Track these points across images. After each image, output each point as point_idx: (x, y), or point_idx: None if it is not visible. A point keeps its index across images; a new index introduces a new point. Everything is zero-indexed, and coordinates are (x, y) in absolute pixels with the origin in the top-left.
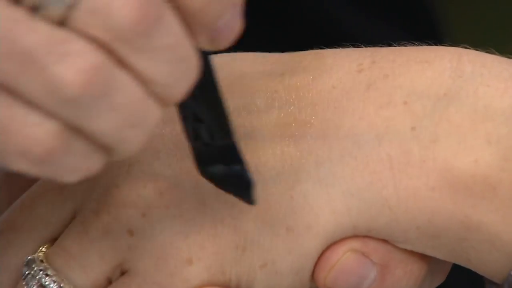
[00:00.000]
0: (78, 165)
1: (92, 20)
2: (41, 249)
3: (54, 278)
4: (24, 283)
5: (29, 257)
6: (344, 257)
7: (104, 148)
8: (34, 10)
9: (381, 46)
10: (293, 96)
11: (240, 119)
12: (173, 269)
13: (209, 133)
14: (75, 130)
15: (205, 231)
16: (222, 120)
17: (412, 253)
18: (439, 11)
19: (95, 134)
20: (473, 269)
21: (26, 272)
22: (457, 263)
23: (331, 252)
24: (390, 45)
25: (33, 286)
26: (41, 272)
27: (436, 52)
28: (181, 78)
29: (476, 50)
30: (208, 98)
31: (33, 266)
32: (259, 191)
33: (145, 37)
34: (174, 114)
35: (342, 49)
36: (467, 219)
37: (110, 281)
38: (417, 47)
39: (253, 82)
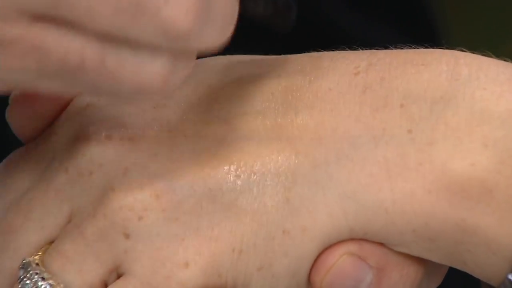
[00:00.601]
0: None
1: None
2: (37, 252)
3: (50, 282)
4: (19, 286)
5: (24, 261)
6: (340, 260)
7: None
8: None
9: (378, 49)
10: (290, 98)
11: (237, 121)
12: (169, 272)
13: None
14: (182, 56)
15: (201, 234)
16: None
17: (408, 256)
18: (436, 13)
19: (202, 48)
20: (469, 272)
21: (22, 276)
22: (453, 266)
23: (327, 255)
24: (387, 48)
25: None
26: (36, 276)
27: (433, 55)
28: None
29: (473, 53)
30: None
31: (29, 269)
32: (254, 193)
33: None
34: (170, 117)
35: (338, 51)
36: (464, 222)
37: (106, 285)
38: (414, 49)
39: (250, 84)
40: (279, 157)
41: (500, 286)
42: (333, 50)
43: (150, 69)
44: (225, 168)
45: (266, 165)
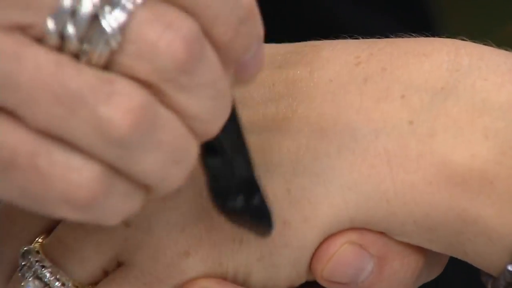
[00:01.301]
0: (120, 207)
1: (136, 63)
2: (37, 240)
3: (50, 270)
4: (20, 274)
5: (25, 248)
6: (341, 249)
7: (145, 187)
8: (78, 56)
9: (378, 38)
10: (291, 90)
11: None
12: (170, 261)
13: (230, 167)
14: (118, 172)
15: (202, 224)
16: (244, 153)
17: (409, 245)
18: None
19: (139, 174)
20: (469, 262)
21: (22, 263)
22: (454, 255)
23: (329, 244)
24: (387, 36)
25: (29, 277)
26: (37, 264)
27: (434, 45)
28: (220, 113)
29: (474, 42)
30: (231, 131)
31: (29, 257)
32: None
33: (189, 75)
34: None
35: (339, 41)
36: (464, 212)
37: (106, 273)
38: (415, 38)
39: None
40: (280, 149)
41: (500, 276)
42: (333, 39)
43: (79, 176)
44: None
45: (267, 156)
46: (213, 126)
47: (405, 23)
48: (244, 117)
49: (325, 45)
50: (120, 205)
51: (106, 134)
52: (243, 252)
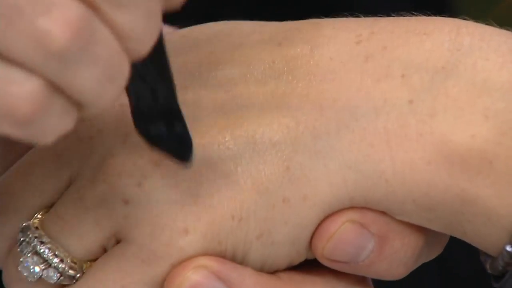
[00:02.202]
0: (57, 124)
1: None
2: (36, 215)
3: (48, 246)
4: (19, 249)
5: (24, 224)
6: (342, 228)
7: (79, 104)
8: None
9: (380, 16)
10: (291, 67)
11: (237, 89)
12: (168, 238)
13: (153, 94)
14: (56, 88)
15: (201, 201)
16: (168, 82)
17: (409, 225)
18: None
19: (76, 90)
20: (468, 242)
21: (21, 239)
22: (453, 235)
23: (329, 222)
24: (389, 15)
25: (28, 253)
26: (36, 240)
27: (435, 24)
28: (151, 32)
29: (476, 21)
30: (157, 59)
31: (28, 233)
32: (254, 162)
33: None
34: None
35: (340, 19)
36: (463, 193)
37: (105, 250)
38: (417, 17)
39: (251, 51)
40: (280, 127)
41: (498, 256)
42: (334, 17)
43: (19, 90)
44: (226, 136)
45: (266, 134)
46: (144, 45)
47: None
48: (244, 93)
49: (326, 23)
50: (57, 122)
51: (45, 47)
52: (242, 229)
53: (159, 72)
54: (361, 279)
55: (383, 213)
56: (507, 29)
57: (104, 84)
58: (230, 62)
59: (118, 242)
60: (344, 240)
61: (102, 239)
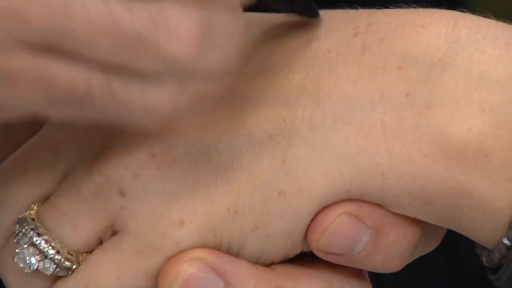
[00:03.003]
0: None
1: None
2: (33, 207)
3: (45, 237)
4: (15, 241)
5: (20, 215)
6: (337, 220)
7: None
8: None
9: (378, 8)
10: (288, 59)
11: (234, 81)
12: (164, 230)
13: None
14: (189, 80)
15: (197, 193)
16: None
17: (405, 217)
18: None
19: (205, 74)
20: (464, 234)
21: (17, 230)
22: (449, 228)
23: (325, 214)
24: (387, 7)
25: (24, 245)
26: (32, 231)
27: (432, 16)
28: None
29: (473, 14)
30: None
31: (24, 224)
32: (251, 154)
33: None
34: None
35: (338, 11)
36: (459, 185)
37: (101, 241)
38: (415, 9)
39: (249, 43)
40: (276, 119)
41: (494, 249)
42: (332, 9)
43: (157, 96)
44: (222, 128)
45: (263, 126)
46: None
47: None
48: (241, 85)
49: (324, 14)
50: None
51: (173, 65)
52: (238, 222)
53: None
54: (356, 272)
55: (379, 205)
56: (505, 21)
57: (230, 49)
58: None
59: (114, 233)
60: (339, 232)
61: (98, 230)
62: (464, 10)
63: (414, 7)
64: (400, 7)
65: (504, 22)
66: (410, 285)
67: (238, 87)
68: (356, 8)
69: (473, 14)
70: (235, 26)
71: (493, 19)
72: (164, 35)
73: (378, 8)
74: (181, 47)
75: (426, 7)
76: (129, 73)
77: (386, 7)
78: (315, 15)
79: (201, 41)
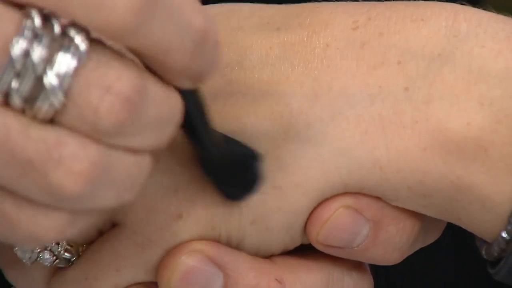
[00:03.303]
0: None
1: (80, 123)
2: None
3: None
4: None
5: None
6: (336, 213)
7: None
8: (23, 111)
9: (379, 0)
10: (287, 53)
11: (233, 75)
12: (162, 223)
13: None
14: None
15: (195, 186)
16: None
17: (405, 210)
18: None
19: (98, 209)
20: (464, 227)
21: None
22: (448, 221)
23: (324, 208)
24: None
25: None
26: None
27: (433, 10)
28: (166, 132)
29: (474, 7)
30: (197, 129)
31: None
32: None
33: (133, 127)
34: None
35: (339, 3)
36: (458, 180)
37: (101, 233)
38: (415, 2)
39: (249, 36)
40: (273, 114)
41: (493, 242)
42: (333, 1)
43: (45, 223)
44: (219, 122)
45: (259, 121)
46: (161, 143)
47: None
48: (240, 79)
49: (325, 7)
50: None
51: (60, 197)
52: (235, 215)
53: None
54: (356, 264)
55: (378, 198)
56: (506, 15)
57: (123, 195)
58: (228, 46)
59: (113, 225)
60: (338, 225)
61: (98, 222)
62: (464, 2)
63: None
64: None
65: (505, 15)
66: (416, 272)
67: (236, 81)
68: (357, 0)
69: (474, 7)
70: (136, 168)
71: (494, 12)
72: (54, 164)
73: (379, 0)
74: (68, 180)
75: None
76: (19, 196)
77: None
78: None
79: (91, 177)
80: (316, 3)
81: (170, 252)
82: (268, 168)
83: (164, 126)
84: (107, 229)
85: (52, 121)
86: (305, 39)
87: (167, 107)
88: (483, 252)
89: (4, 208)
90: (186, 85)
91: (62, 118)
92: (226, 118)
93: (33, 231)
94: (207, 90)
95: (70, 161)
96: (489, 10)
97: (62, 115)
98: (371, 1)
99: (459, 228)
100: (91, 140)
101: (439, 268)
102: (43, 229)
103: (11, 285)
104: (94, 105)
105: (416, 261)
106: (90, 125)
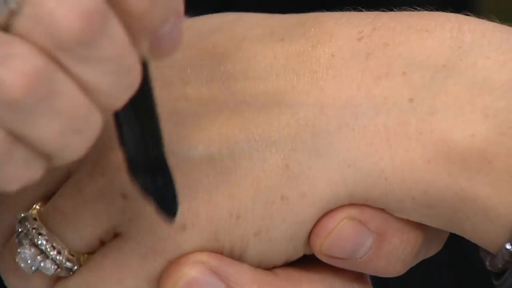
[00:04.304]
0: (19, 173)
1: (35, 28)
2: (35, 206)
3: (46, 237)
4: (16, 240)
5: (22, 215)
6: (341, 224)
7: (44, 155)
8: None
9: (383, 11)
10: (292, 63)
11: (238, 86)
12: (166, 234)
13: (139, 143)
14: (17, 138)
15: (200, 198)
16: (154, 131)
17: (408, 222)
18: None
19: (36, 141)
20: (468, 239)
21: (19, 230)
22: (452, 231)
23: (328, 219)
24: (391, 9)
25: (26, 244)
26: (33, 231)
27: (437, 20)
28: (123, 88)
29: (478, 17)
30: (142, 108)
31: (26, 224)
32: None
33: (88, 47)
34: (172, 79)
35: (343, 13)
36: (463, 191)
37: (103, 243)
38: (419, 13)
39: (253, 46)
40: (279, 124)
41: (497, 254)
42: (337, 11)
43: None
44: (225, 132)
45: (266, 131)
46: (117, 100)
47: None
48: (245, 90)
49: (329, 17)
50: (20, 172)
51: (0, 96)
52: (240, 227)
53: (142, 121)
54: (358, 275)
55: (382, 210)
56: (510, 25)
57: (69, 136)
58: (232, 57)
59: (116, 235)
60: (342, 236)
61: (100, 232)
62: (469, 13)
63: (419, 10)
64: (405, 9)
65: (509, 26)
66: (415, 284)
67: (241, 92)
68: (361, 10)
69: (478, 17)
70: (83, 110)
71: (498, 22)
72: (0, 62)
73: (383, 11)
74: (12, 78)
75: (431, 9)
76: None
77: (390, 9)
78: (170, 214)
79: (33, 83)
80: (320, 13)
81: (173, 263)
82: (277, 177)
83: (120, 77)
84: (109, 240)
85: (7, 28)
86: (310, 49)
87: (126, 60)
88: (487, 263)
89: None
90: (145, 49)
91: (17, 20)
92: (233, 128)
93: None
94: (213, 101)
95: (17, 60)
96: (493, 20)
97: (17, 17)
98: (374, 11)
99: (457, 237)
100: (42, 50)
101: (437, 279)
102: None
103: None
104: (50, 8)
105: (415, 271)
106: (44, 30)
